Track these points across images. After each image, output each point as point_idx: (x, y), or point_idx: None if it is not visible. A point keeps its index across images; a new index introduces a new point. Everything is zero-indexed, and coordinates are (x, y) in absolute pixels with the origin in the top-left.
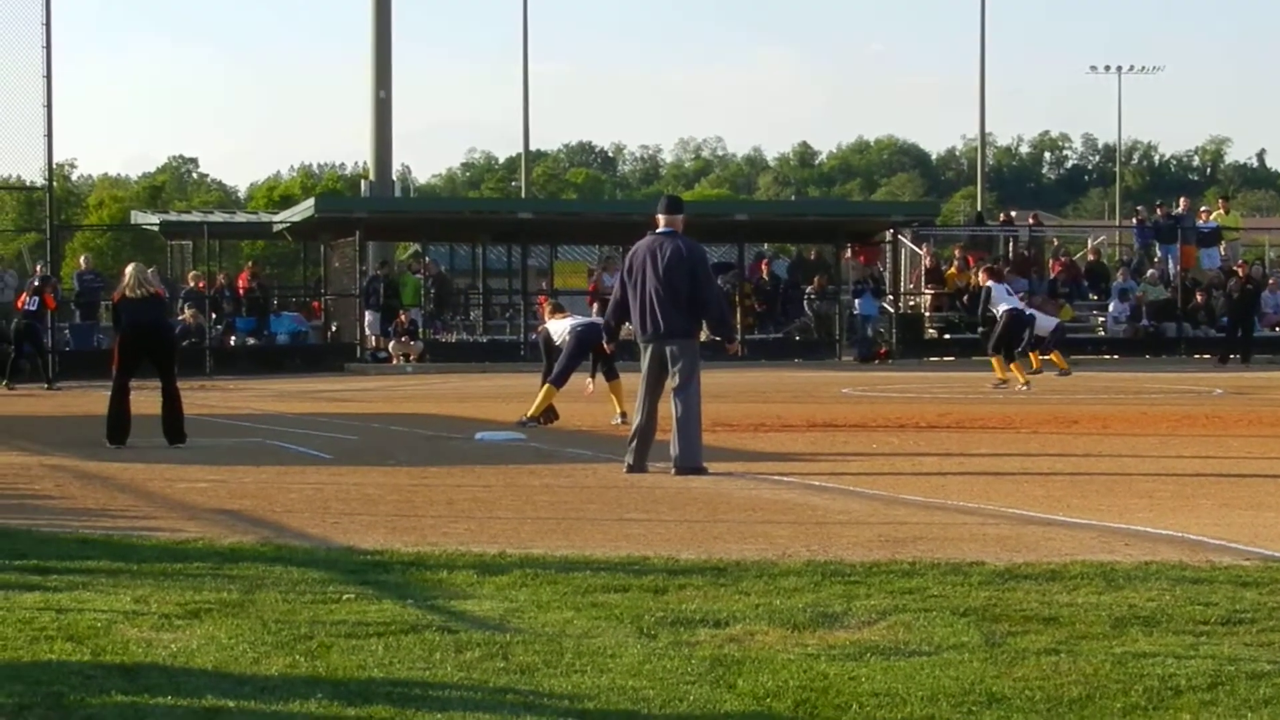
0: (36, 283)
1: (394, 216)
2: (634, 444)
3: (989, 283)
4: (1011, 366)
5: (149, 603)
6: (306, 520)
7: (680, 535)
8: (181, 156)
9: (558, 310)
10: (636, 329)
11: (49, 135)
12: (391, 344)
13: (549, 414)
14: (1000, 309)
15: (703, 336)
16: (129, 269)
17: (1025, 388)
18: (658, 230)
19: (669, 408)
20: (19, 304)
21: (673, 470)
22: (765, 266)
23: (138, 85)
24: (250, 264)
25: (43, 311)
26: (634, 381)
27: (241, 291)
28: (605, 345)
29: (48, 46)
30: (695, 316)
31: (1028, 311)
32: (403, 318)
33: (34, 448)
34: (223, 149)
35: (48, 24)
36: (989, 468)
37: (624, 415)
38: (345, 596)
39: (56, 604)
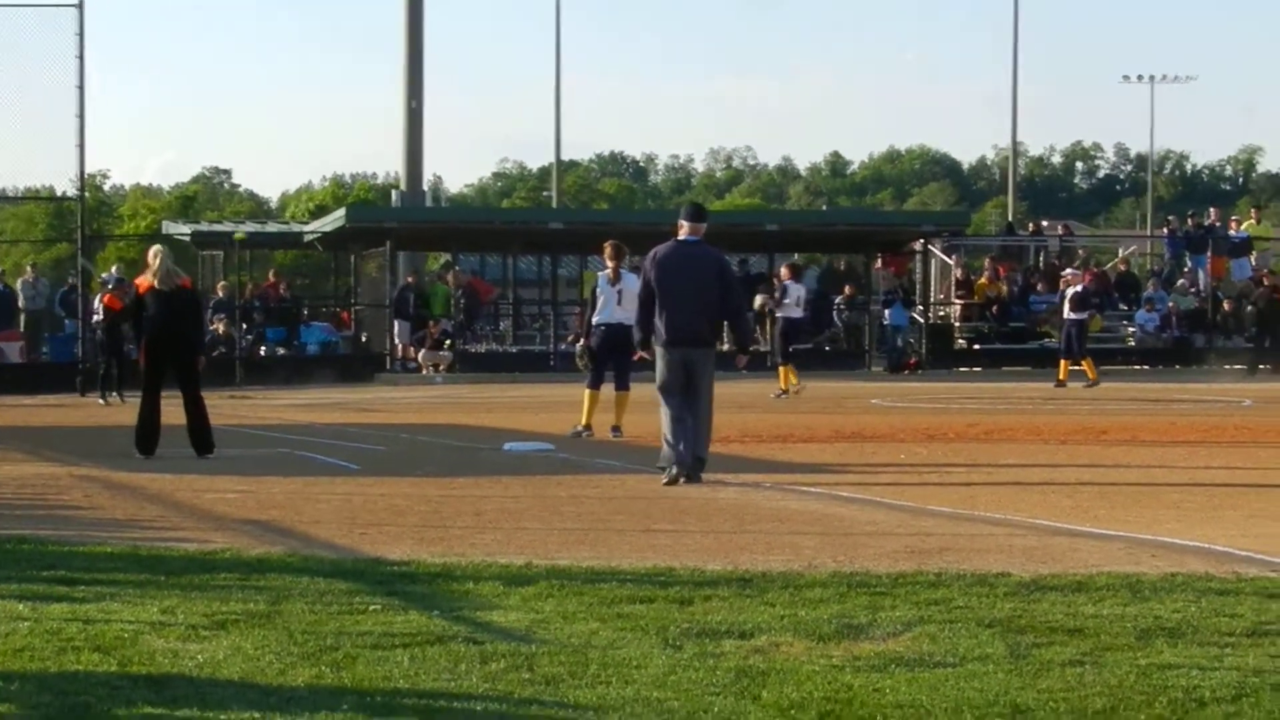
0: (110, 286)
1: (425, 227)
2: (671, 450)
3: (788, 281)
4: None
5: (176, 613)
6: (334, 531)
7: (707, 546)
8: (214, 167)
9: (618, 254)
10: (662, 334)
11: (81, 146)
12: (421, 354)
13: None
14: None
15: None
16: (155, 255)
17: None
18: (683, 238)
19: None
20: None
21: (680, 472)
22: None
23: (171, 95)
24: (273, 272)
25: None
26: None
27: (269, 293)
28: (636, 354)
29: (80, 57)
30: (718, 326)
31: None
32: (433, 328)
33: (63, 458)
34: (255, 159)
35: (80, 35)
36: (1017, 478)
37: (618, 429)
38: (371, 607)
39: (84, 615)
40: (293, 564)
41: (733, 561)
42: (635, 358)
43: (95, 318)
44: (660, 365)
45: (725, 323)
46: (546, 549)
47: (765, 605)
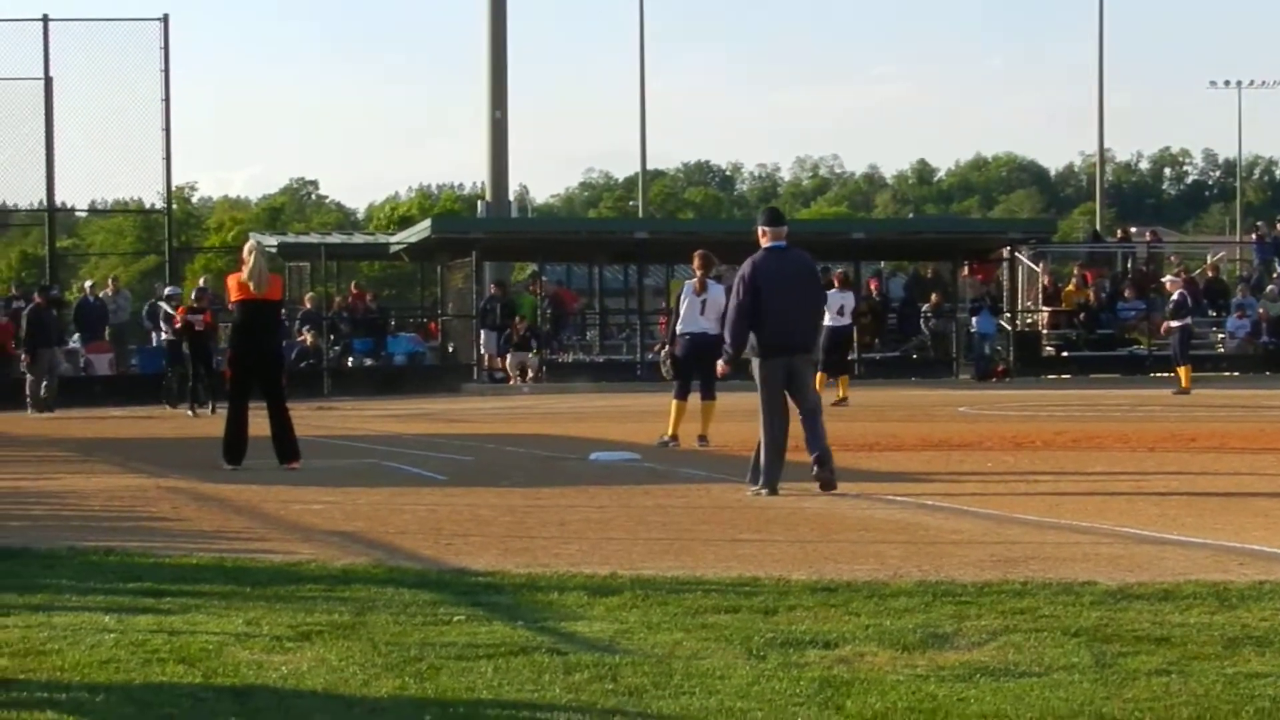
0: (167, 295)
1: (510, 237)
2: (769, 464)
3: (832, 291)
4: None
5: (260, 625)
6: (419, 542)
7: (792, 555)
8: (301, 178)
9: (707, 264)
10: (767, 343)
11: (167, 158)
12: (508, 357)
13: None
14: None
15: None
16: (250, 251)
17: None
18: (773, 245)
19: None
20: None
21: (814, 469)
22: (874, 285)
23: (258, 108)
24: (354, 284)
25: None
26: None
27: (357, 304)
28: (722, 365)
29: (166, 70)
30: (818, 331)
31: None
32: (518, 324)
33: (152, 470)
34: (342, 170)
35: (165, 48)
36: (1104, 487)
37: (705, 439)
38: (456, 618)
39: (169, 626)
40: (378, 575)
41: (818, 571)
42: (720, 374)
43: (162, 335)
44: (766, 377)
45: None
46: (631, 559)
47: (850, 615)
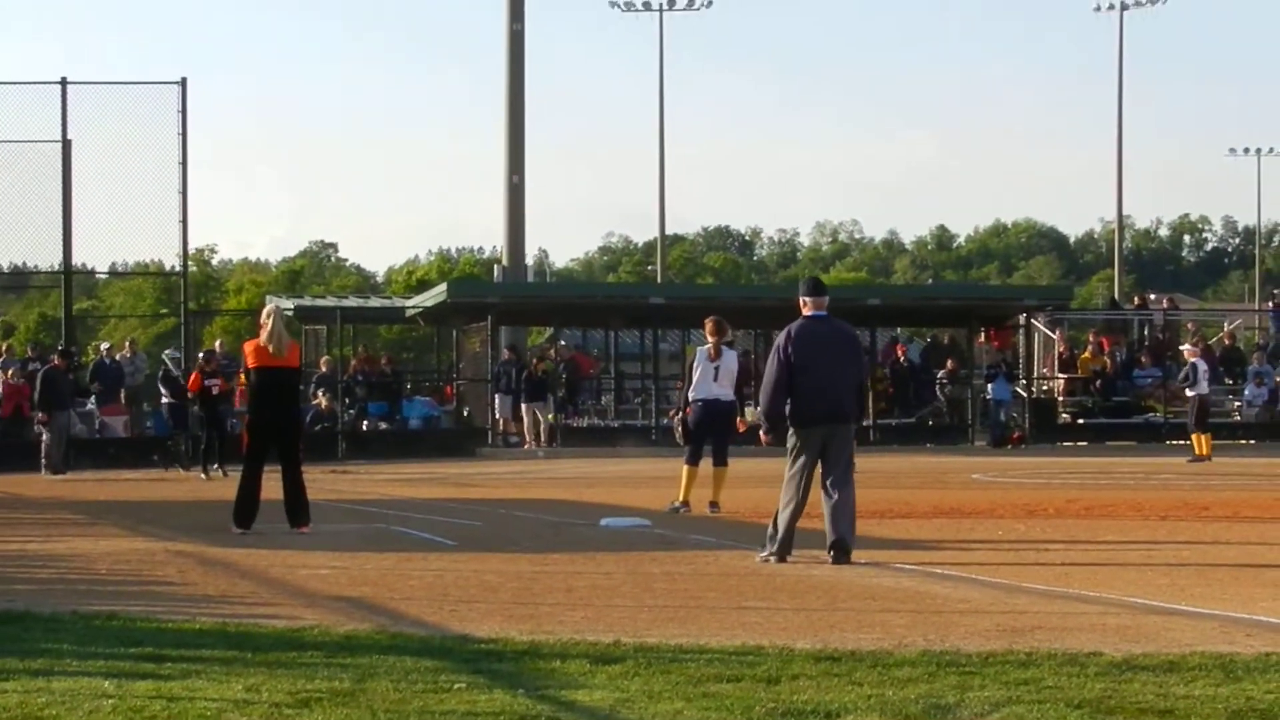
0: (168, 357)
1: (525, 301)
2: (784, 532)
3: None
4: None
5: (260, 691)
6: (424, 608)
7: (797, 624)
8: (321, 241)
9: (720, 330)
10: (803, 413)
11: (184, 221)
12: (523, 407)
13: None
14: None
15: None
16: (269, 315)
17: None
18: (813, 314)
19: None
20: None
21: (830, 553)
22: (901, 351)
23: (279, 170)
24: (363, 348)
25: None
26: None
27: (372, 368)
28: (764, 436)
29: (183, 134)
30: (860, 400)
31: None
32: (536, 365)
33: (160, 533)
34: (361, 233)
35: (183, 112)
36: (1115, 556)
37: (716, 505)
38: (456, 686)
39: (168, 692)
40: (380, 641)
41: (822, 640)
42: (765, 442)
43: (163, 398)
44: (798, 445)
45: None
46: (636, 626)
47: (852, 684)
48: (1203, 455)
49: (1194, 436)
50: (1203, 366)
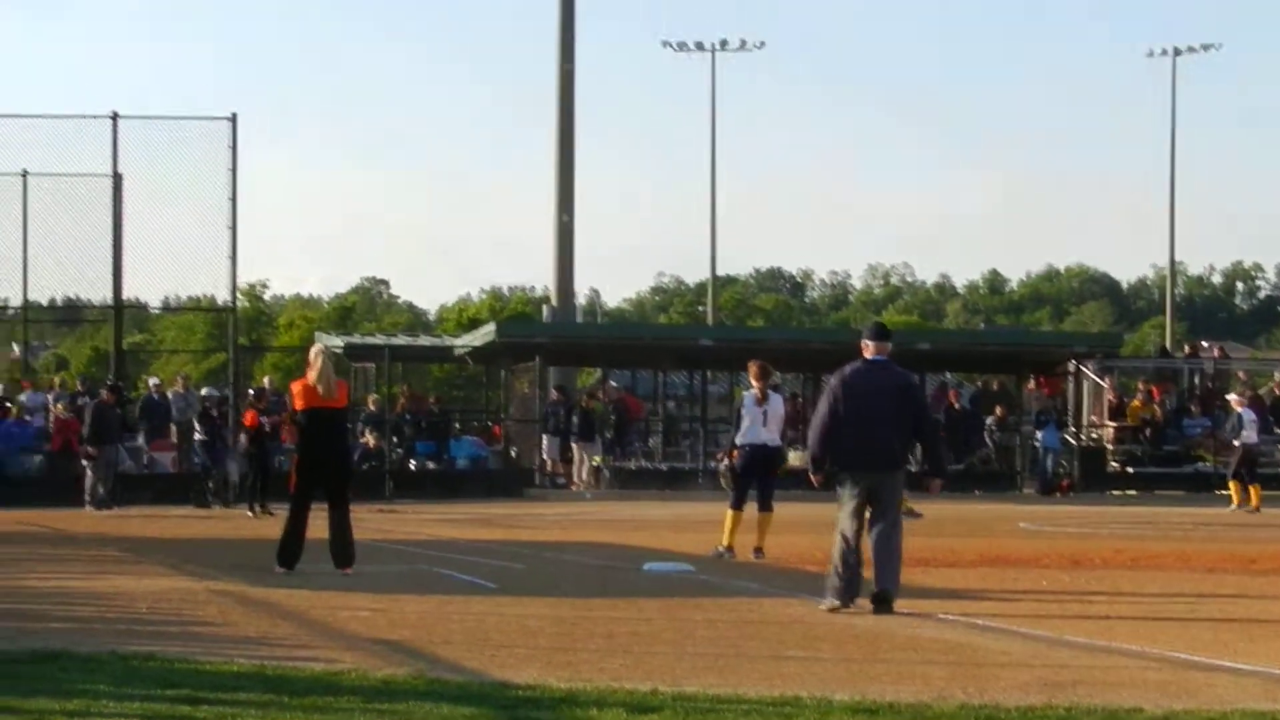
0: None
1: (574, 342)
2: (842, 578)
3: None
4: None
5: None
6: (463, 652)
7: (837, 675)
8: (373, 278)
9: (764, 374)
10: (848, 457)
11: (233, 257)
12: (574, 447)
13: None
14: None
15: None
16: (317, 355)
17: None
18: (870, 358)
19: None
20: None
21: (872, 603)
22: (954, 396)
23: (331, 207)
24: (407, 388)
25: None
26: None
27: (420, 407)
28: (813, 477)
29: (233, 169)
30: (908, 449)
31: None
32: (587, 401)
33: (203, 572)
34: (414, 270)
35: (234, 147)
36: (1159, 609)
37: (760, 551)
38: None
39: None
40: (417, 687)
41: (860, 691)
42: (817, 482)
43: (197, 435)
44: (845, 490)
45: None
46: (675, 675)
47: None
48: (1243, 504)
49: (1232, 484)
50: (1249, 416)
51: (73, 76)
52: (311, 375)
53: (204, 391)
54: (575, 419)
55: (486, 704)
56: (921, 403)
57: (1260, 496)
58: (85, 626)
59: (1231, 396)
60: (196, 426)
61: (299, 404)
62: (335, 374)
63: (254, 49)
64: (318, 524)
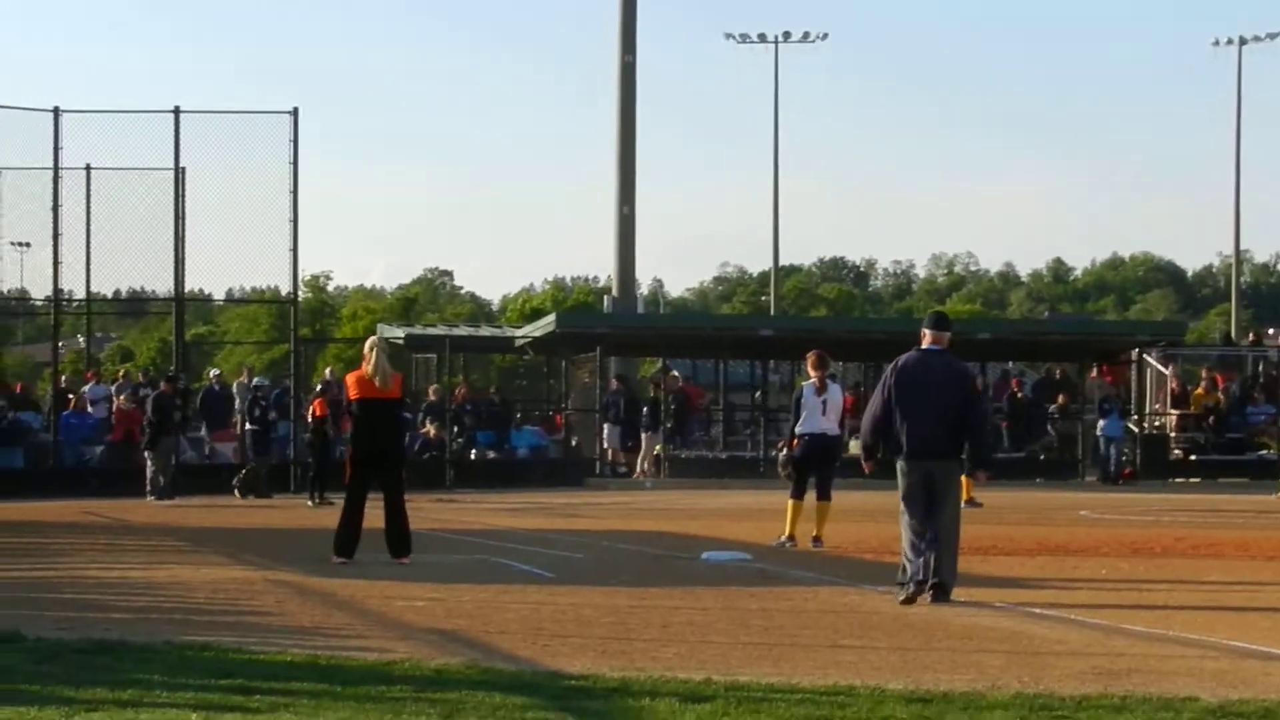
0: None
1: (634, 332)
2: (912, 567)
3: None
4: None
5: None
6: (518, 642)
7: (891, 663)
8: (436, 268)
9: (822, 364)
10: (903, 445)
11: (294, 249)
12: (642, 435)
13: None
14: None
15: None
16: (371, 348)
17: None
18: (925, 347)
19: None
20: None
21: (929, 592)
22: (1016, 384)
23: (396, 198)
24: (464, 380)
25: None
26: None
27: (481, 397)
28: (865, 465)
29: (294, 163)
30: (962, 438)
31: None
32: (656, 390)
33: (261, 562)
34: (477, 261)
35: (295, 141)
36: (1217, 598)
37: (819, 540)
38: None
39: None
40: (470, 676)
41: (915, 680)
42: (869, 469)
43: (248, 425)
44: (901, 479)
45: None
46: (729, 664)
47: None
48: None
49: None
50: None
51: (133, 73)
52: (366, 367)
53: (254, 382)
54: (644, 408)
55: (538, 694)
56: (970, 393)
57: None
58: (142, 616)
59: None
60: (246, 417)
61: (353, 394)
62: (391, 366)
63: (318, 40)
64: (376, 514)
